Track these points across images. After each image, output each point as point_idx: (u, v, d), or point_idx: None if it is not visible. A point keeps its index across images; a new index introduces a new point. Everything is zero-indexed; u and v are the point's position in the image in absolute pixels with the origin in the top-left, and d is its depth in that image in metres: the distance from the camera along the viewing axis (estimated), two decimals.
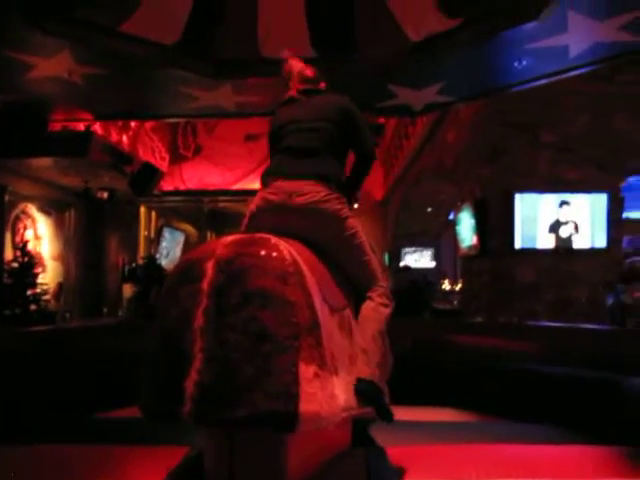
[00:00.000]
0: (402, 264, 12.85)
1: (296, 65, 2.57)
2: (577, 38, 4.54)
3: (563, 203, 6.41)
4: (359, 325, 2.26)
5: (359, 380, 2.07)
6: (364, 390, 2.06)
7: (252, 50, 4.87)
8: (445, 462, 2.46)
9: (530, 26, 4.29)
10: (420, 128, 9.50)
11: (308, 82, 2.54)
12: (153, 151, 11.14)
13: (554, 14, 4.14)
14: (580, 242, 6.42)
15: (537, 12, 4.13)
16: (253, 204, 2.34)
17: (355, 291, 2.37)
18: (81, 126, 8.03)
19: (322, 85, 2.62)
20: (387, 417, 2.21)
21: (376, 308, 2.31)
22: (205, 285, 1.74)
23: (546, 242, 6.41)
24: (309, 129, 2.37)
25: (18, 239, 8.82)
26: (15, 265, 8.27)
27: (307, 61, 2.66)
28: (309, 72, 2.57)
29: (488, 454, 2.57)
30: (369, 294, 2.34)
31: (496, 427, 3.18)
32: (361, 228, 2.38)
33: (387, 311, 2.33)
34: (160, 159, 11.47)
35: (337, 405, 1.81)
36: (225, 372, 1.63)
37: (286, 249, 1.84)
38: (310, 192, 2.21)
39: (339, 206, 2.26)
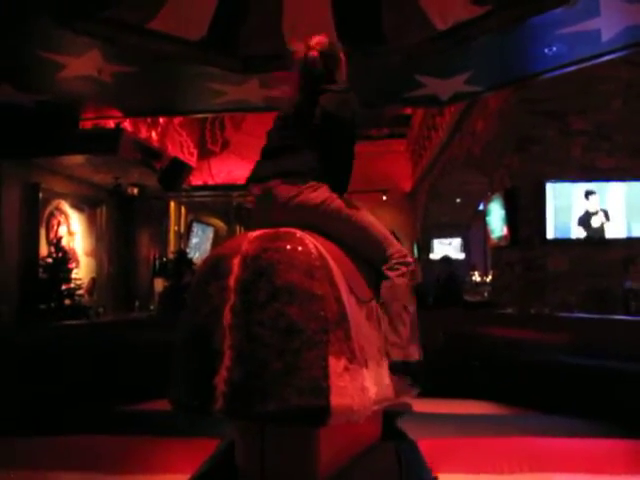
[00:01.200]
0: (442, 255, 12.68)
1: (312, 46, 2.41)
2: (609, 22, 4.41)
3: (589, 193, 6.27)
4: (382, 306, 2.26)
5: (395, 363, 2.15)
6: (402, 371, 2.16)
7: (278, 44, 4.87)
8: (477, 455, 2.43)
9: (561, 11, 4.19)
10: (448, 118, 9.40)
11: (316, 80, 2.41)
12: (182, 146, 11.24)
13: None
14: (615, 231, 6.28)
15: None
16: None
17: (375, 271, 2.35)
18: (111, 123, 8.15)
19: (341, 58, 2.51)
20: (416, 385, 2.30)
21: (393, 285, 2.29)
22: (232, 282, 1.75)
23: (580, 232, 6.29)
24: (284, 127, 2.37)
25: (52, 235, 8.98)
26: (50, 260, 8.43)
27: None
28: (318, 66, 2.41)
29: (520, 447, 2.53)
30: (385, 271, 2.31)
31: (528, 420, 3.14)
32: (351, 204, 2.31)
33: (405, 281, 2.30)
34: (189, 154, 11.56)
35: (368, 398, 1.81)
36: (255, 368, 1.64)
37: (311, 243, 1.83)
38: (282, 191, 2.19)
39: (312, 194, 2.20)
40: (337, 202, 2.25)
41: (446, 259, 9.01)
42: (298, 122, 2.35)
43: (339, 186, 2.33)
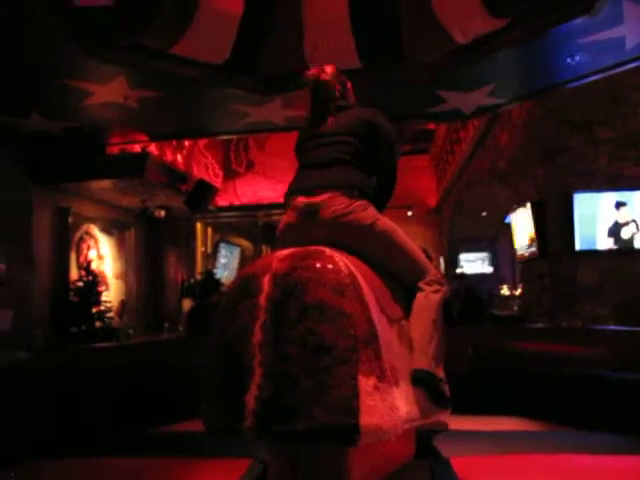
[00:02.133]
0: (459, 271, 12.62)
1: (324, 83, 2.52)
2: (634, 29, 4.36)
3: (620, 205, 6.15)
4: (412, 316, 2.25)
5: (417, 371, 2.09)
6: (423, 380, 2.08)
7: (300, 64, 4.92)
8: (511, 472, 2.38)
9: (583, 20, 4.15)
10: (471, 131, 9.37)
11: (336, 99, 2.51)
12: (207, 168, 11.39)
13: (608, 6, 4.00)
14: None
15: (590, 5, 4.00)
16: (278, 228, 2.36)
17: (407, 289, 2.35)
18: (137, 148, 8.30)
19: (348, 87, 2.62)
20: (445, 404, 2.21)
21: (427, 296, 2.29)
22: (262, 300, 1.75)
23: (607, 243, 6.17)
24: (329, 143, 2.36)
25: (82, 259, 9.12)
26: (80, 284, 8.56)
27: (353, 72, 2.66)
28: (337, 89, 2.54)
29: (554, 464, 2.48)
30: (419, 284, 2.32)
31: (562, 436, 3.07)
32: (394, 225, 2.33)
33: (439, 297, 2.32)
34: (214, 176, 11.70)
35: (398, 417, 1.79)
36: (285, 386, 1.64)
37: (342, 261, 1.84)
38: (331, 206, 2.17)
39: (363, 213, 2.21)
40: (384, 223, 2.28)
41: (460, 275, 9.00)
42: (336, 137, 2.37)
43: (379, 204, 2.37)
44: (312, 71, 2.58)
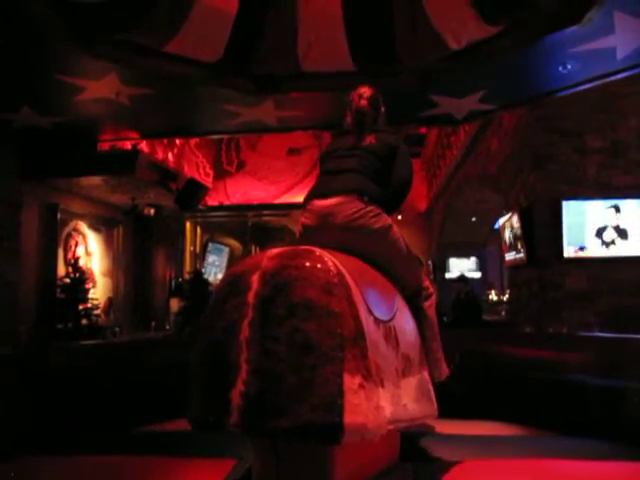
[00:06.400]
0: (458, 274, 12.60)
1: (362, 95, 2.71)
2: (625, 39, 4.41)
3: (612, 207, 6.22)
4: (423, 327, 2.63)
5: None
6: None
7: (293, 65, 4.92)
8: (495, 477, 2.39)
9: (575, 29, 4.19)
10: (463, 137, 9.41)
11: (368, 113, 2.69)
12: (198, 167, 11.36)
13: (599, 16, 4.04)
14: (632, 249, 6.20)
15: (581, 15, 4.04)
16: (298, 230, 2.53)
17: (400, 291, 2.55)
18: (128, 145, 8.26)
19: (382, 110, 2.79)
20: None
21: (428, 313, 2.68)
22: (251, 297, 1.76)
23: (594, 250, 6.21)
24: (350, 155, 2.54)
25: (70, 255, 9.06)
26: (67, 281, 8.50)
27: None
28: (371, 102, 2.72)
29: (539, 469, 2.49)
30: (418, 298, 2.66)
31: (548, 441, 3.09)
32: (402, 235, 2.55)
33: (433, 309, 2.74)
34: (205, 175, 11.67)
35: (383, 417, 1.79)
36: (270, 383, 1.64)
37: (330, 260, 1.84)
38: (342, 210, 2.33)
39: (374, 219, 2.37)
40: (395, 232, 2.50)
41: (462, 278, 8.91)
42: (357, 152, 2.55)
43: (388, 208, 2.52)
44: (356, 95, 2.73)
